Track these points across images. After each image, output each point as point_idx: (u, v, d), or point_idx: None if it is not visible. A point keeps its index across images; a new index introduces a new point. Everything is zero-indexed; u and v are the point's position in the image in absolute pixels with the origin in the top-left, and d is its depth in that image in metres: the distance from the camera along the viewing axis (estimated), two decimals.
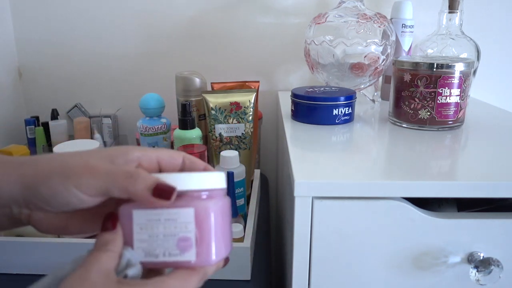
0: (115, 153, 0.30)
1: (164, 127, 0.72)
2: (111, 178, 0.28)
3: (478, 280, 0.48)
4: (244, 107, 0.69)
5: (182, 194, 0.29)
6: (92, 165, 0.29)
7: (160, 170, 0.32)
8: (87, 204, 0.29)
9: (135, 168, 0.29)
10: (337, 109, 0.68)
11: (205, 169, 0.33)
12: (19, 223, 0.31)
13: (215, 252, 0.29)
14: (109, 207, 0.32)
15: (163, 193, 0.28)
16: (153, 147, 0.72)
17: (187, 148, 0.59)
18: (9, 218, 0.31)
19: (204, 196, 0.30)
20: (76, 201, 0.28)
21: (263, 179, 0.95)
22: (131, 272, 0.28)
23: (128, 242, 0.30)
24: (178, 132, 0.66)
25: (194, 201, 0.29)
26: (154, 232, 0.29)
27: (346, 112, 0.69)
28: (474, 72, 0.81)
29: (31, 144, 0.90)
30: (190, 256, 0.29)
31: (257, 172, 0.81)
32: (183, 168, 0.33)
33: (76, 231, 0.33)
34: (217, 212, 0.30)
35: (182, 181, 0.29)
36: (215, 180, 0.31)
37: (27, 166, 0.29)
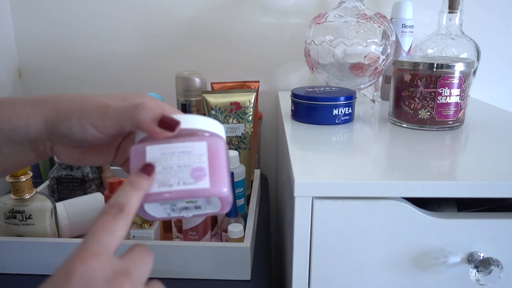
0: (129, 94, 0.34)
1: None
2: (122, 112, 0.32)
3: (478, 280, 0.48)
4: (244, 107, 0.69)
5: (192, 132, 0.32)
6: (107, 104, 0.32)
7: None
8: (102, 140, 0.33)
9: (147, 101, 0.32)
10: (337, 109, 0.68)
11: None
12: (44, 155, 0.36)
13: (225, 184, 0.31)
14: (123, 141, 0.37)
15: (168, 125, 0.31)
16: None
17: None
18: (36, 151, 0.35)
19: (210, 135, 0.32)
20: (92, 138, 0.33)
21: (263, 179, 0.95)
22: None
23: None
24: None
25: (205, 138, 0.32)
26: (168, 164, 0.31)
27: (346, 112, 0.69)
28: (474, 72, 0.81)
29: None
30: (204, 184, 0.30)
31: (257, 172, 0.81)
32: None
33: (91, 163, 0.37)
34: (225, 149, 0.32)
35: (190, 120, 0.32)
36: (218, 126, 0.34)
37: (51, 105, 0.33)
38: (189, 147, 0.31)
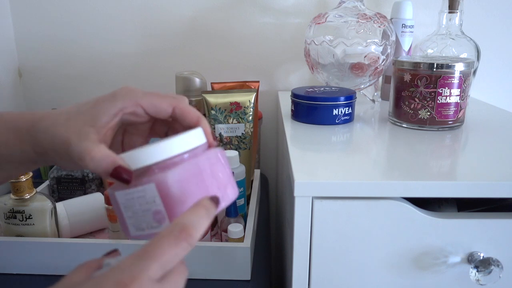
0: (98, 110, 0.33)
1: None
2: (78, 159, 0.31)
3: (478, 280, 0.48)
4: (244, 107, 0.69)
5: (148, 168, 0.30)
6: (69, 142, 0.31)
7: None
8: (84, 166, 0.33)
9: (95, 148, 0.31)
10: (337, 109, 0.68)
11: (197, 121, 0.35)
12: (45, 164, 0.37)
13: None
14: (125, 137, 0.38)
15: (120, 177, 0.30)
16: None
17: None
18: (36, 164, 0.36)
19: (168, 163, 0.30)
20: (78, 166, 0.33)
21: (263, 179, 0.95)
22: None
23: (121, 219, 0.32)
24: None
25: (155, 175, 0.29)
26: (134, 209, 0.30)
27: (346, 112, 0.69)
28: (474, 72, 0.81)
29: None
30: (167, 226, 0.29)
31: (257, 172, 0.81)
32: (173, 116, 0.35)
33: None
34: (179, 177, 0.29)
35: (142, 157, 0.30)
36: (181, 143, 0.31)
37: (33, 138, 0.34)
38: (141, 191, 0.29)
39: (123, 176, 0.30)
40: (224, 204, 0.32)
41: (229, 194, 0.32)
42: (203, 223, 0.28)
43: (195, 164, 0.30)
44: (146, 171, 0.30)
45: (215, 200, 0.30)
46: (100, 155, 0.30)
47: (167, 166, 0.30)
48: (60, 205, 0.65)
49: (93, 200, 0.69)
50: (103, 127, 0.32)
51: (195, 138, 0.32)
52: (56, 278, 0.62)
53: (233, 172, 0.37)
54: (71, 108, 0.34)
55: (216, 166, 0.32)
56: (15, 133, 0.34)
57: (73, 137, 0.31)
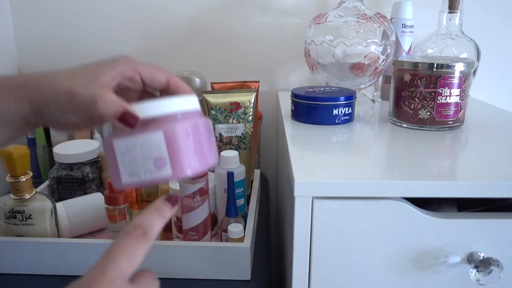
0: (100, 70, 0.35)
1: None
2: (85, 104, 0.33)
3: (478, 280, 0.48)
4: (244, 107, 0.69)
5: (153, 119, 0.33)
6: (75, 91, 0.33)
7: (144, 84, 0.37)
8: (80, 122, 0.35)
9: (107, 93, 0.33)
10: (337, 109, 0.68)
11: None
12: (38, 126, 0.37)
13: (188, 167, 0.33)
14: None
15: (127, 122, 0.32)
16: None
17: None
18: (30, 125, 0.36)
19: (179, 116, 0.34)
20: (75, 120, 0.35)
21: (263, 179, 0.95)
22: None
23: (114, 168, 0.34)
24: None
25: (163, 125, 0.33)
26: (134, 156, 0.33)
27: (346, 112, 0.69)
28: (474, 72, 0.81)
29: (31, 144, 0.90)
30: (167, 171, 0.33)
31: (257, 172, 0.81)
32: (166, 89, 0.37)
33: (87, 127, 0.41)
34: (186, 132, 0.33)
35: (150, 108, 0.33)
36: (184, 103, 0.35)
37: (31, 91, 0.34)
38: (147, 139, 0.32)
39: (130, 121, 0.32)
40: (207, 167, 0.35)
41: (214, 158, 0.36)
42: (156, 222, 0.31)
43: (197, 124, 0.35)
44: (152, 122, 0.33)
45: (172, 201, 0.32)
46: (112, 99, 0.32)
47: (175, 120, 0.33)
48: (60, 205, 0.65)
49: (93, 200, 0.69)
50: (105, 86, 0.34)
51: (196, 102, 0.36)
52: (56, 278, 0.62)
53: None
54: (71, 69, 0.35)
55: (209, 131, 0.36)
56: (8, 90, 0.34)
57: (78, 88, 0.33)
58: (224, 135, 0.69)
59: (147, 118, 0.33)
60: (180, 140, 0.33)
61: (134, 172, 0.33)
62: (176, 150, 0.33)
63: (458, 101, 0.64)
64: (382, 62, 0.78)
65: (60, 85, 0.33)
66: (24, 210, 0.59)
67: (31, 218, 0.59)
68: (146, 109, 0.33)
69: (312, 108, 0.69)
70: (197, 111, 0.36)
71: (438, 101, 0.64)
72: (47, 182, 0.76)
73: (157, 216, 0.31)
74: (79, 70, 0.35)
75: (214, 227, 0.65)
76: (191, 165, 0.33)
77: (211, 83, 0.76)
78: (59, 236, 0.63)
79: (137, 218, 0.30)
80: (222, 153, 0.64)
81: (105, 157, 0.34)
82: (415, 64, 0.64)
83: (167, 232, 0.66)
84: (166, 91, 0.37)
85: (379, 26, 0.76)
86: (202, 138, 0.35)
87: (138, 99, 0.39)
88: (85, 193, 0.74)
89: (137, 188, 0.63)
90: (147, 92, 0.39)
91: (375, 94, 0.91)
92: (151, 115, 0.33)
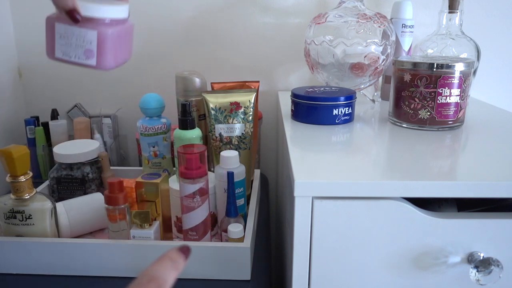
0: None
1: (164, 127, 0.72)
2: None
3: (478, 280, 0.48)
4: (244, 107, 0.69)
5: (92, 19, 0.41)
6: None
7: None
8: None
9: None
10: (337, 109, 0.68)
11: None
12: None
13: (108, 63, 0.42)
14: None
15: (72, 17, 0.40)
16: (153, 147, 0.72)
17: (187, 148, 0.59)
18: None
19: (113, 22, 0.42)
20: None
21: (263, 179, 0.95)
22: None
23: (50, 43, 0.42)
24: (178, 132, 0.66)
25: (98, 26, 0.41)
26: (69, 41, 0.42)
27: (346, 112, 0.69)
28: (474, 72, 0.81)
29: (31, 144, 0.90)
30: (92, 62, 0.42)
31: (257, 172, 0.81)
32: None
33: None
34: (114, 36, 0.42)
35: (91, 9, 0.41)
36: (119, 11, 0.43)
37: None
38: (84, 32, 0.41)
39: (76, 17, 0.40)
40: (122, 62, 0.45)
41: (129, 55, 0.47)
42: (170, 275, 0.29)
43: (127, 29, 0.45)
44: (90, 20, 0.41)
45: (184, 251, 0.31)
46: None
47: (110, 24, 0.42)
48: (60, 205, 0.65)
49: (93, 200, 0.69)
50: None
51: (127, 11, 0.45)
52: (56, 278, 0.62)
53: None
54: None
55: (131, 35, 0.47)
56: None
57: None
58: (224, 135, 0.69)
59: (87, 17, 0.41)
60: (108, 42, 0.42)
61: (66, 52, 0.42)
62: (103, 49, 0.42)
63: (458, 101, 0.64)
64: (382, 62, 0.78)
65: None
66: (24, 210, 0.59)
67: (31, 218, 0.59)
68: (89, 9, 0.41)
69: (312, 108, 0.69)
70: (126, 19, 0.45)
71: (438, 101, 0.64)
72: (47, 182, 0.76)
73: (172, 268, 0.30)
74: None
75: (214, 227, 0.65)
76: (110, 62, 0.43)
77: (211, 83, 0.76)
78: (59, 236, 0.63)
79: (152, 269, 0.29)
80: (222, 153, 0.64)
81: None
82: (415, 64, 0.64)
83: (167, 232, 0.66)
84: None
85: (379, 26, 0.76)
86: (124, 41, 0.45)
87: None
88: (85, 193, 0.74)
89: (137, 188, 0.63)
90: None
91: (375, 94, 0.91)
92: (91, 16, 0.41)
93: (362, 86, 0.82)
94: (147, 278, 0.28)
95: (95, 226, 0.68)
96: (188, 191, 0.58)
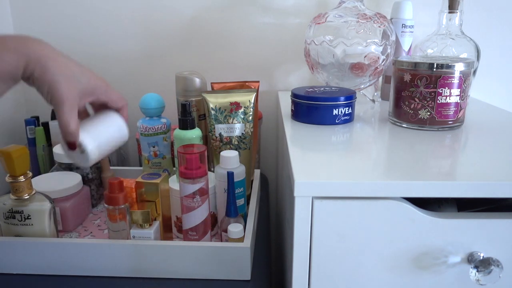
0: (83, 93, 0.48)
1: (164, 127, 0.72)
2: (64, 122, 0.45)
3: (478, 280, 0.48)
4: (244, 107, 0.69)
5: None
6: (64, 100, 0.45)
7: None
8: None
9: (73, 122, 0.45)
10: (337, 109, 0.68)
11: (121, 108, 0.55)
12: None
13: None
14: None
15: (74, 147, 0.46)
16: (153, 147, 0.72)
17: (187, 148, 0.59)
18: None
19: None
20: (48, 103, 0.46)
21: (263, 179, 0.95)
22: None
23: None
24: (178, 132, 0.66)
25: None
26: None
27: (346, 112, 0.69)
28: (474, 72, 0.81)
29: (31, 144, 0.90)
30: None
31: (257, 172, 0.81)
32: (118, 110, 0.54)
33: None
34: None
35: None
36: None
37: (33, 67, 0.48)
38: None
39: (74, 147, 0.46)
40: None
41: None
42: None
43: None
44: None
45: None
46: (74, 129, 0.45)
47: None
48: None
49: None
50: (77, 106, 0.46)
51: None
52: (56, 278, 0.62)
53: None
54: (73, 67, 0.48)
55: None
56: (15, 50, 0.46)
57: (64, 97, 0.44)
58: (224, 135, 0.69)
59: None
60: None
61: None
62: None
63: (458, 101, 0.64)
64: (382, 62, 0.78)
65: (55, 87, 0.45)
66: (23, 211, 0.59)
67: (30, 218, 0.59)
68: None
69: (312, 108, 0.69)
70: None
71: (438, 101, 0.64)
72: None
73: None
74: (77, 79, 0.47)
75: (214, 227, 0.65)
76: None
77: (211, 83, 0.76)
78: (58, 237, 0.63)
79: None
80: (222, 153, 0.64)
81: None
82: (415, 64, 0.64)
83: (167, 232, 0.66)
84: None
85: (379, 26, 0.76)
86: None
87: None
88: None
89: (137, 188, 0.63)
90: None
91: (375, 94, 0.91)
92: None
93: (362, 86, 0.81)
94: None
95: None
96: (188, 191, 0.58)
